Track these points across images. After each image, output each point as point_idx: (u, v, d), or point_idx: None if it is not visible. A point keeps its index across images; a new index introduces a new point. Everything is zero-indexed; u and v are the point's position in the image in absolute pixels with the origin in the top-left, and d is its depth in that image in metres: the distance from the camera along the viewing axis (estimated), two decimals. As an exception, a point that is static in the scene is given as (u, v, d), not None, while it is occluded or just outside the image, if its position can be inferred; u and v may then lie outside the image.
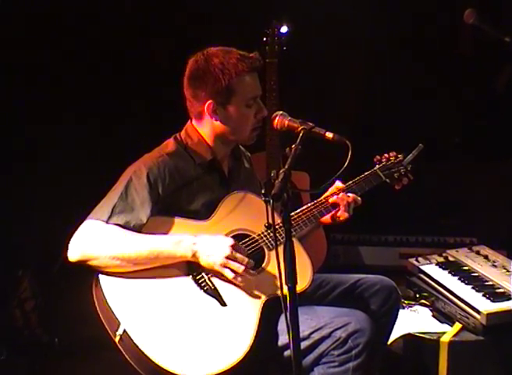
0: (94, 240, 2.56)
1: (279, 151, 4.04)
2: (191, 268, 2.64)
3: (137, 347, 2.48)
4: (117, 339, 2.53)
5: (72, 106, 4.61)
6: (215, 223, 2.70)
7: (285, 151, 2.39)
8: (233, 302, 2.62)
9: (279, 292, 2.28)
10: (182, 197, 2.70)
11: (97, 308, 2.58)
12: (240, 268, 2.59)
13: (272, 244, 2.70)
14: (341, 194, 2.89)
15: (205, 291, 2.61)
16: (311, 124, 2.49)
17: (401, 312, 3.08)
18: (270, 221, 2.27)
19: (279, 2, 4.39)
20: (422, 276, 3.48)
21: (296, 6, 4.38)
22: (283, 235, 2.25)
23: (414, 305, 3.50)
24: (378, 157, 3.06)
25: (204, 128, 2.77)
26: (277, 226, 2.39)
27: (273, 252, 2.37)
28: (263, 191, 2.31)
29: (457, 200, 4.85)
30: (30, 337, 3.90)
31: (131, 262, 2.57)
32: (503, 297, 3.19)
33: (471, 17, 2.84)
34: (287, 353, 2.62)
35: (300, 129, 2.47)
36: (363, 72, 4.90)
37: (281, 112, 2.60)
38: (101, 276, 2.58)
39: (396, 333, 3.15)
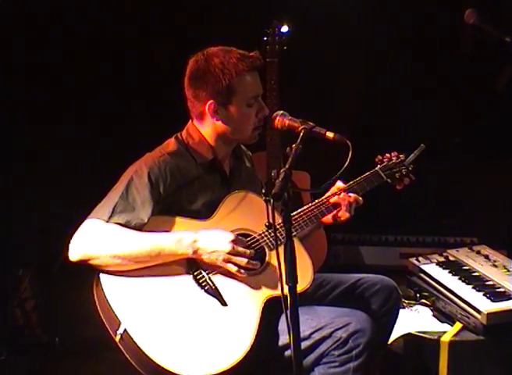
0: (95, 239, 2.56)
1: (279, 150, 4.04)
2: (191, 266, 2.64)
3: (138, 346, 2.48)
4: (117, 338, 2.53)
5: (72, 106, 4.61)
6: (216, 223, 2.70)
7: (285, 150, 2.38)
8: (234, 302, 2.62)
9: (279, 292, 2.28)
10: (183, 196, 2.70)
11: (98, 308, 2.58)
12: (243, 261, 2.60)
13: (272, 244, 2.70)
14: (342, 194, 2.88)
15: (206, 291, 2.61)
16: (311, 124, 2.49)
17: (402, 311, 3.08)
18: (271, 221, 2.27)
19: (280, 2, 4.38)
20: (423, 275, 3.48)
21: (297, 6, 4.38)
22: (284, 235, 2.26)
23: (415, 304, 3.50)
24: (379, 157, 3.05)
25: (206, 128, 2.77)
26: (278, 226, 2.39)
27: (274, 252, 2.37)
28: (263, 191, 2.31)
29: (458, 200, 4.85)
30: (30, 336, 3.90)
31: (132, 261, 2.56)
32: (504, 296, 3.19)
33: (471, 17, 2.84)
34: (288, 353, 2.62)
35: (300, 128, 2.47)
36: (363, 71, 4.90)
37: (281, 111, 2.60)
38: (101, 275, 2.58)
39: (396, 333, 3.15)
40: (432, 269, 3.48)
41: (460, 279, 3.36)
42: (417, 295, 3.50)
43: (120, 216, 2.59)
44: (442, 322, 3.32)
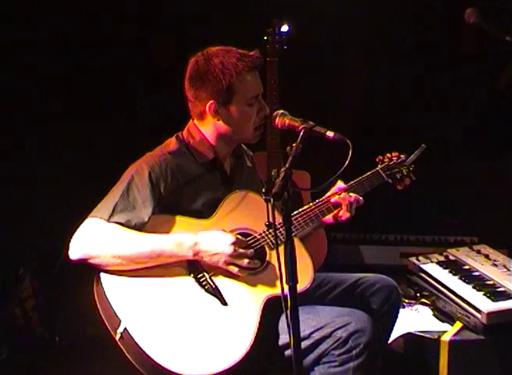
0: (96, 238, 2.56)
1: (279, 150, 4.05)
2: (192, 266, 2.63)
3: (138, 345, 2.48)
4: (118, 337, 2.53)
5: (72, 106, 4.61)
6: (217, 222, 2.70)
7: (285, 150, 2.38)
8: (234, 301, 2.61)
9: (279, 291, 2.28)
10: (183, 196, 2.70)
11: (98, 306, 2.58)
12: (244, 262, 2.61)
13: (273, 244, 2.70)
14: (343, 193, 2.88)
15: (206, 290, 2.61)
16: (311, 123, 2.49)
17: (402, 311, 3.09)
18: (271, 220, 2.27)
19: (280, 1, 4.38)
20: (423, 275, 3.48)
21: (297, 5, 4.37)
22: (284, 234, 2.26)
23: (415, 304, 3.50)
24: (380, 157, 3.05)
25: (207, 128, 2.77)
26: (278, 226, 2.39)
27: (275, 252, 2.37)
28: (263, 190, 2.31)
29: (458, 199, 4.85)
30: (30, 336, 3.90)
31: (132, 261, 2.57)
32: (504, 296, 3.19)
33: (471, 16, 2.83)
34: (288, 352, 2.62)
35: (300, 128, 2.46)
36: (363, 71, 4.90)
37: (282, 110, 2.60)
38: (102, 274, 2.58)
39: (396, 333, 3.15)
40: (432, 268, 3.48)
41: (460, 278, 3.36)
42: (418, 295, 3.50)
43: (121, 214, 2.59)
44: (443, 321, 3.32)
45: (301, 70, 4.72)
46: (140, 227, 2.61)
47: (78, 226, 2.59)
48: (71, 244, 2.57)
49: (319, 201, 2.88)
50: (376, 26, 4.75)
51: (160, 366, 2.47)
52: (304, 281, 2.66)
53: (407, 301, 3.51)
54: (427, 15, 4.85)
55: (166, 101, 4.56)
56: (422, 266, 3.50)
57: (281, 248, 2.27)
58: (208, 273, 2.64)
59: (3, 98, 4.31)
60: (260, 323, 2.60)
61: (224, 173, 2.83)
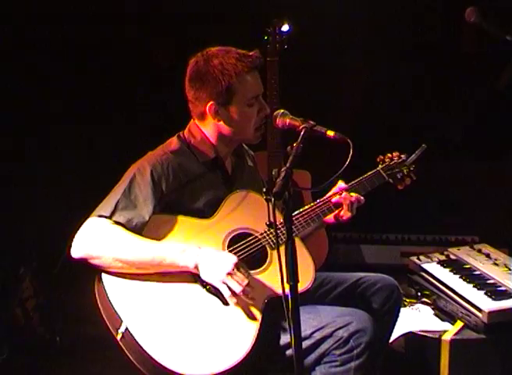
0: (98, 239, 2.55)
1: (280, 149, 4.05)
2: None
3: (139, 345, 2.48)
4: (119, 337, 2.53)
5: (72, 106, 4.61)
6: (218, 222, 2.70)
7: (286, 149, 2.38)
8: (235, 301, 2.61)
9: (280, 291, 2.28)
10: (185, 195, 2.70)
11: (100, 306, 2.58)
12: (238, 288, 2.55)
13: (274, 243, 2.70)
14: (344, 193, 2.89)
15: (208, 290, 2.60)
16: (312, 122, 2.49)
17: (403, 310, 3.09)
18: (272, 220, 2.27)
19: (280, 2, 4.38)
20: (424, 274, 3.48)
21: (297, 5, 4.37)
22: (285, 234, 2.26)
23: (416, 303, 3.50)
24: (381, 157, 3.06)
25: (207, 128, 2.77)
26: (279, 225, 2.39)
27: (276, 251, 2.36)
28: (264, 190, 2.31)
29: (458, 199, 4.85)
30: (31, 336, 3.90)
31: (133, 266, 2.56)
32: (505, 295, 3.19)
33: (472, 15, 2.83)
34: (289, 352, 2.62)
35: (301, 127, 2.47)
36: (363, 71, 4.90)
37: (282, 110, 2.60)
38: (103, 273, 2.57)
39: (397, 332, 3.15)
40: (433, 267, 3.48)
41: (461, 277, 3.36)
42: (418, 294, 3.51)
43: (122, 213, 2.59)
44: (443, 320, 3.32)
45: (301, 70, 4.72)
46: (141, 226, 2.60)
47: (79, 226, 2.59)
48: (73, 243, 2.57)
49: (320, 201, 2.89)
50: (376, 26, 4.75)
51: (161, 365, 2.47)
52: (305, 281, 2.66)
53: (407, 300, 3.51)
54: (427, 15, 4.84)
55: (166, 101, 4.55)
56: (423, 266, 3.50)
57: (282, 248, 2.27)
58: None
59: (3, 98, 4.30)
60: (261, 322, 2.59)
61: (225, 173, 2.83)
